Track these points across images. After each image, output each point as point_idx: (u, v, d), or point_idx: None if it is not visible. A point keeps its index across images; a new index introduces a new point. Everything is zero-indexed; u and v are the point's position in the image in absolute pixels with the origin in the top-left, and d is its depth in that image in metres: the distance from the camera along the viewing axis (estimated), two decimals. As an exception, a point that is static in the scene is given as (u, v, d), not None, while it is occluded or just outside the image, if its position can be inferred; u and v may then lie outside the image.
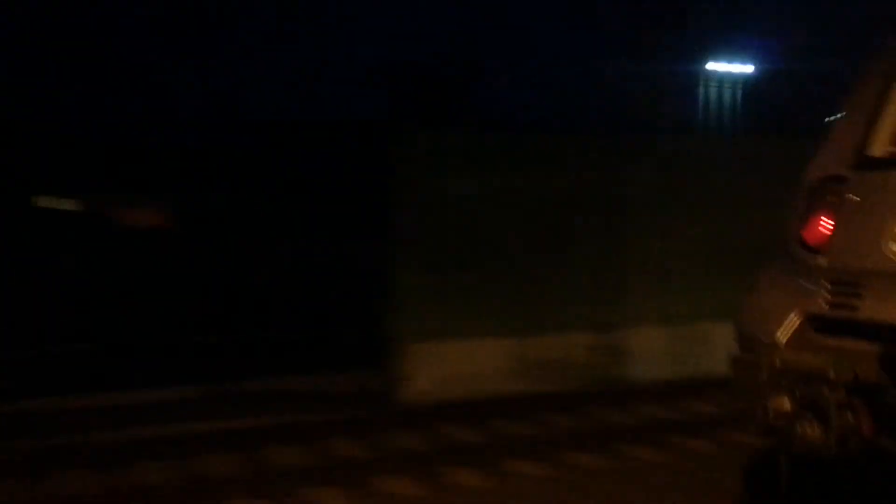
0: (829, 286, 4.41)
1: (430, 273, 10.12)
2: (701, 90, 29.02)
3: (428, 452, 7.97)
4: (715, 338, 11.23)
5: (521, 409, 9.25)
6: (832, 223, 4.67)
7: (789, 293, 4.70)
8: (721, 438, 8.18)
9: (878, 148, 4.73)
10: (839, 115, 5.29)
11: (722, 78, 29.31)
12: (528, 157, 11.03)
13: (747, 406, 4.60)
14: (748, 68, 29.13)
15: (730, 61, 28.96)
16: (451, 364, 10.05)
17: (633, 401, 9.70)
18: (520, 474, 7.30)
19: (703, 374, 10.85)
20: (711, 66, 28.73)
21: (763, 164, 12.06)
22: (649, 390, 10.20)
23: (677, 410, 9.50)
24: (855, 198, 4.61)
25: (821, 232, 4.76)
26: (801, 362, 4.32)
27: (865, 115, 4.86)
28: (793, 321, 4.51)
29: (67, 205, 35.70)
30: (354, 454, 7.96)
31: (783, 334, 4.46)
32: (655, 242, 11.23)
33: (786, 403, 4.15)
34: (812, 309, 4.48)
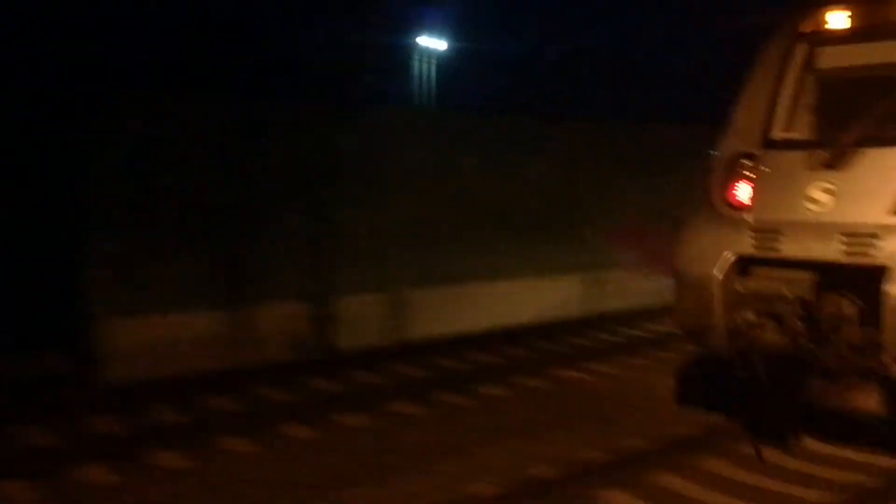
0: (754, 234, 6.31)
1: (127, 243, 9.33)
2: (415, 65, 30.03)
3: (127, 436, 7.42)
4: (425, 303, 11.84)
5: (229, 384, 8.90)
6: (752, 187, 6.49)
7: (720, 241, 6.47)
8: (431, 399, 8.61)
9: (777, 133, 6.69)
10: (739, 103, 7.04)
11: (428, 53, 30.58)
12: (233, 124, 10.52)
13: (700, 322, 6.51)
14: (443, 44, 30.70)
15: (434, 36, 30.28)
16: (152, 340, 9.36)
17: (345, 368, 9.78)
18: (228, 451, 7.05)
19: (417, 338, 11.35)
20: (421, 40, 29.84)
21: (469, 140, 12.87)
22: (360, 357, 10.35)
23: (388, 376, 9.73)
24: (767, 170, 6.53)
25: (743, 194, 6.60)
26: (760, 287, 6.22)
27: (763, 105, 6.76)
28: (727, 260, 6.33)
29: None
30: (44, 443, 7.19)
31: (719, 271, 6.28)
32: (367, 212, 11.40)
33: (751, 316, 6.13)
34: (742, 251, 6.32)
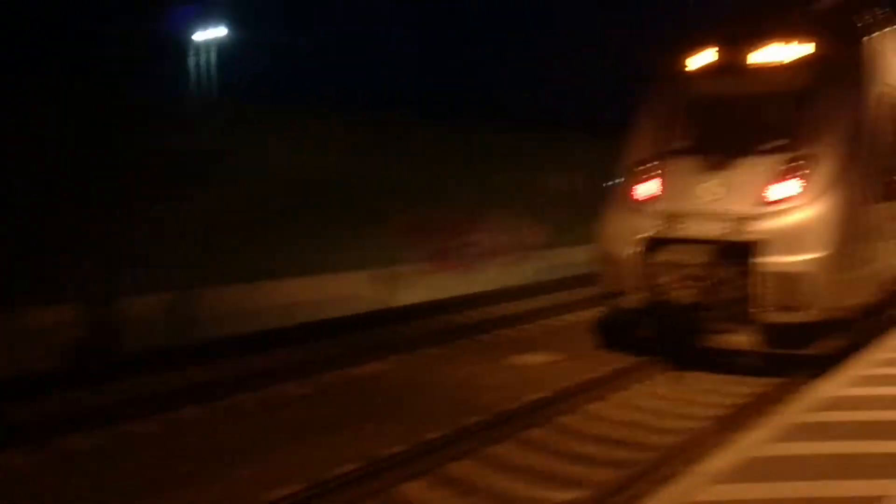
0: (661, 220, 8.91)
1: None
2: (194, 55, 28.61)
3: None
4: (216, 302, 11.41)
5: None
6: (658, 185, 9.11)
7: (635, 226, 9.07)
8: (219, 402, 8.32)
9: (675, 144, 9.47)
10: (637, 125, 9.89)
11: (206, 43, 29.32)
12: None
13: (621, 287, 9.18)
14: (222, 32, 29.67)
15: (211, 26, 29.12)
16: None
17: (128, 372, 9.19)
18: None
19: (208, 338, 10.86)
20: (201, 31, 28.54)
21: (261, 135, 12.63)
22: (144, 360, 9.77)
23: (173, 379, 9.24)
24: (669, 172, 9.14)
25: (648, 191, 9.27)
26: (668, 258, 8.79)
27: (661, 125, 9.61)
28: (641, 240, 8.90)
29: None
30: None
31: (635, 248, 8.84)
32: (156, 209, 10.79)
33: (666, 279, 8.63)
34: (653, 233, 8.92)
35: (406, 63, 30.91)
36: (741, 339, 8.96)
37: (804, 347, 8.73)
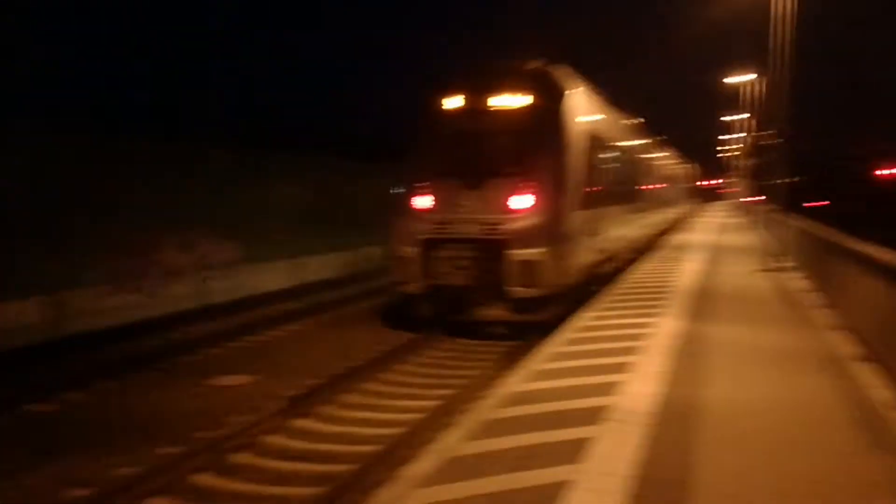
0: (434, 226, 12.02)
1: None
2: None
3: None
4: None
5: None
6: (431, 200, 12.20)
7: (416, 230, 12.11)
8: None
9: (441, 168, 12.45)
10: (416, 152, 12.78)
11: None
12: None
13: (408, 277, 12.26)
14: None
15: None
16: None
17: None
18: None
19: None
20: None
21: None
22: None
23: None
24: (438, 189, 12.21)
25: (425, 203, 12.27)
26: (443, 254, 12.00)
27: (429, 152, 12.65)
28: (421, 240, 12.02)
29: None
30: None
31: (417, 246, 11.95)
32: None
33: (444, 268, 11.96)
34: (429, 235, 12.04)
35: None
36: (498, 312, 12.26)
37: (538, 314, 12.16)
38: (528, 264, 11.78)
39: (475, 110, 13.07)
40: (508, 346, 11.92)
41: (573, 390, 6.98)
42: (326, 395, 9.19)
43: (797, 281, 15.28)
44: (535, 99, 12.95)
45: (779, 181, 19.76)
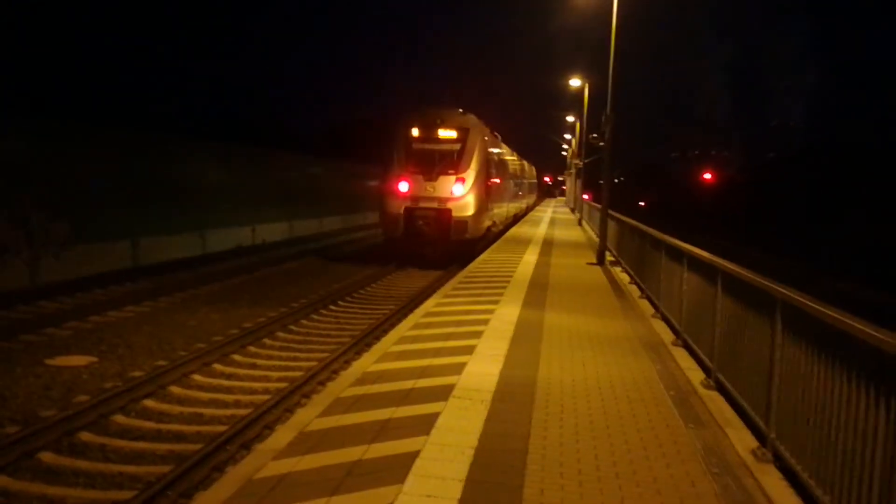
0: (409, 201, 22.38)
1: None
2: None
3: None
4: None
5: None
6: (407, 186, 22.48)
7: (399, 203, 22.47)
8: None
9: (411, 168, 22.78)
10: (393, 158, 23.17)
11: None
12: None
13: (393, 228, 22.66)
14: None
15: None
16: None
17: None
18: None
19: None
20: None
21: None
22: None
23: None
24: (411, 180, 22.49)
25: (404, 188, 22.46)
26: (417, 214, 22.36)
27: (402, 160, 22.83)
28: (402, 207, 22.37)
29: None
30: None
31: (400, 210, 22.27)
32: None
33: (416, 224, 22.28)
34: (407, 205, 22.41)
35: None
36: (443, 247, 22.32)
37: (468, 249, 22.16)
38: (460, 221, 22.21)
39: (430, 136, 23.27)
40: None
41: (422, 370, 7.40)
42: (171, 376, 9.12)
43: (621, 273, 16.60)
44: (459, 132, 23.30)
45: (603, 181, 21.26)
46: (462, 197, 22.21)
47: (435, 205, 22.08)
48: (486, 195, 23.79)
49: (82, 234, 16.98)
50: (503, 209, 30.91)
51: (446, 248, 22.12)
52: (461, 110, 23.91)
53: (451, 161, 22.53)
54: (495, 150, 27.86)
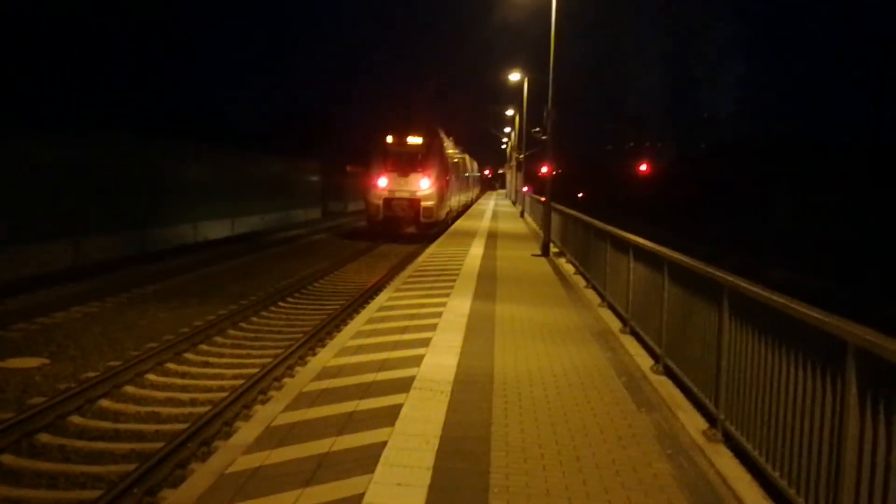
0: (388, 192, 29.34)
1: None
2: None
3: None
4: None
5: None
6: (386, 181, 29.53)
7: (379, 194, 29.48)
8: None
9: (387, 168, 29.73)
10: (371, 162, 30.38)
11: None
12: None
13: (376, 214, 29.92)
14: None
15: None
16: None
17: None
18: None
19: None
20: None
21: None
22: None
23: None
24: (389, 177, 29.55)
25: (383, 183, 29.52)
26: (394, 203, 29.31)
27: (380, 162, 29.75)
28: (382, 198, 29.37)
29: None
30: None
31: (380, 200, 29.33)
32: None
33: (393, 210, 29.33)
34: (385, 196, 29.43)
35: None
36: (413, 229, 29.67)
37: (432, 230, 29.15)
38: (427, 208, 28.83)
39: (402, 142, 29.73)
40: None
41: (381, 363, 7.54)
42: (124, 377, 9.05)
43: (566, 264, 16.97)
44: (424, 138, 29.95)
45: (543, 173, 21.81)
46: (427, 189, 29.09)
47: (407, 195, 28.89)
48: (446, 188, 30.98)
49: (19, 234, 16.55)
50: (456, 199, 38.71)
51: (417, 230, 29.69)
52: (427, 122, 31.63)
53: (418, 162, 29.41)
54: (450, 152, 35.21)
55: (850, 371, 3.60)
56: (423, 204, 28.74)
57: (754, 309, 5.04)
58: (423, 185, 28.85)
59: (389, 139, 29.60)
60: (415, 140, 29.68)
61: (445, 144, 32.03)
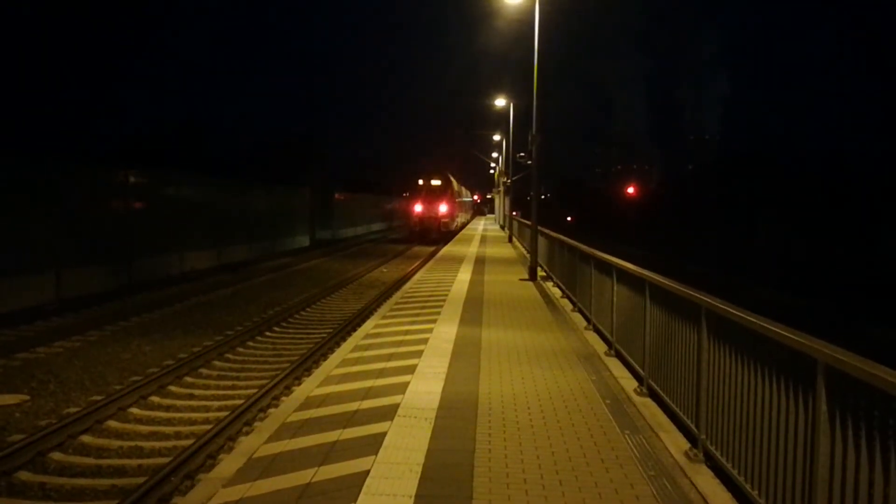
0: (422, 214, 52.38)
1: None
2: None
3: None
4: None
5: None
6: (420, 207, 52.59)
7: (416, 215, 53.00)
8: None
9: (421, 199, 53.11)
10: (411, 196, 57.43)
11: None
12: None
13: (415, 226, 53.25)
14: None
15: None
16: None
17: None
18: None
19: None
20: None
21: None
22: None
23: None
24: (422, 205, 52.66)
25: (419, 209, 52.76)
26: (423, 219, 52.48)
27: (417, 195, 53.74)
28: (419, 217, 52.63)
29: None
30: None
31: (418, 217, 53.51)
32: None
33: (424, 224, 51.91)
34: (420, 215, 52.68)
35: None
36: (437, 234, 50.42)
37: (445, 236, 49.77)
38: (444, 223, 50.95)
39: (429, 183, 52.41)
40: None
41: (366, 391, 7.52)
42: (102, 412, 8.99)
43: (553, 288, 17.01)
44: (442, 181, 52.94)
45: (532, 198, 21.86)
46: (444, 212, 51.10)
47: (433, 216, 50.43)
48: (455, 210, 54.95)
49: None
50: (459, 219, 61.20)
51: (437, 236, 47.48)
52: (444, 169, 55.90)
53: (439, 195, 51.21)
54: (456, 188, 58.94)
55: (821, 388, 3.63)
56: (442, 220, 50.90)
57: (731, 329, 5.07)
58: (442, 209, 51.18)
59: (420, 182, 52.78)
60: (436, 182, 52.49)
61: (454, 183, 55.48)
